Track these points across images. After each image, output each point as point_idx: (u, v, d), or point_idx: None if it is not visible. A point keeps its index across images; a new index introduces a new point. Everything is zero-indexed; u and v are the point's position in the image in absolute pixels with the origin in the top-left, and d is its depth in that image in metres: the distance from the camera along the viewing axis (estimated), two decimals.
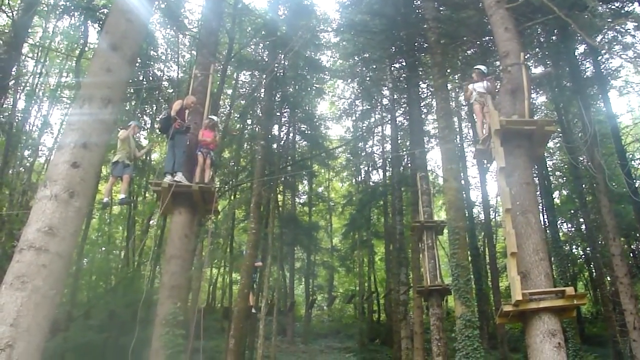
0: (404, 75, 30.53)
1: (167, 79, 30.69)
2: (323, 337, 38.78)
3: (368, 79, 34.17)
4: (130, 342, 9.78)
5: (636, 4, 22.25)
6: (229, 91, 34.38)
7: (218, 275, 41.35)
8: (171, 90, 29.22)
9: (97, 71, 7.96)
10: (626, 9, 22.04)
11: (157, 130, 14.07)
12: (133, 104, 29.14)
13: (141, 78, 27.77)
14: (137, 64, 24.25)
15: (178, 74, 31.08)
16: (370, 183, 41.32)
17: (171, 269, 11.97)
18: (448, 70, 26.89)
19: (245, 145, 35.35)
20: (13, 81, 24.48)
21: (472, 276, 21.71)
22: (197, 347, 18.94)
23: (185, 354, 11.98)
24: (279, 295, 38.70)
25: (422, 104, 31.38)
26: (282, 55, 27.93)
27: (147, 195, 29.44)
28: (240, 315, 21.28)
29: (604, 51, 24.66)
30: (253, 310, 23.57)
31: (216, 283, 42.08)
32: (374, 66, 32.28)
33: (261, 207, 26.23)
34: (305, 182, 42.20)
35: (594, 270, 35.32)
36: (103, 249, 32.60)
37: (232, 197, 35.18)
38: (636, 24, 20.98)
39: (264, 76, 27.63)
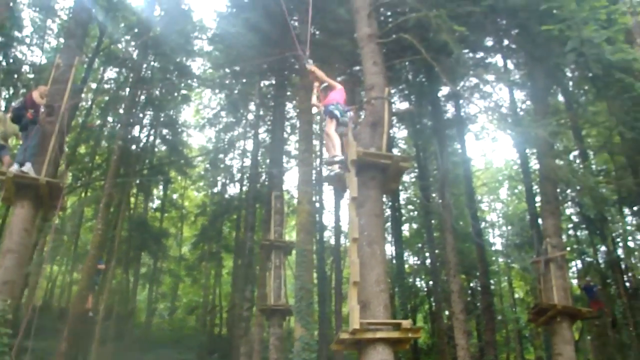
0: (272, 92, 30.70)
1: (29, 64, 29.19)
2: (162, 346, 37.93)
3: (236, 91, 34.05)
4: None
5: (498, 55, 23.56)
6: (93, 85, 33.31)
7: (59, 273, 39.83)
8: (32, 76, 27.84)
9: None
10: (489, 59, 23.31)
11: (9, 120, 13.14)
12: None
13: (0, 59, 26.35)
14: None
15: (41, 60, 29.66)
16: (226, 196, 41.04)
17: (5, 264, 11.34)
18: None
19: (103, 142, 34.30)
20: None
21: (315, 299, 22.01)
22: (26, 347, 18.09)
23: (11, 354, 11.39)
24: (121, 299, 37.68)
25: (286, 124, 31.66)
26: (153, 57, 27.36)
27: None
28: (76, 317, 20.56)
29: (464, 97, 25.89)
30: (90, 313, 22.77)
31: (56, 281, 40.49)
32: (244, 80, 32.10)
33: (111, 208, 25.48)
34: (161, 187, 41.49)
35: (434, 304, 36.64)
36: None
37: (83, 194, 34.03)
38: (496, 76, 22.17)
39: (131, 75, 26.97)
